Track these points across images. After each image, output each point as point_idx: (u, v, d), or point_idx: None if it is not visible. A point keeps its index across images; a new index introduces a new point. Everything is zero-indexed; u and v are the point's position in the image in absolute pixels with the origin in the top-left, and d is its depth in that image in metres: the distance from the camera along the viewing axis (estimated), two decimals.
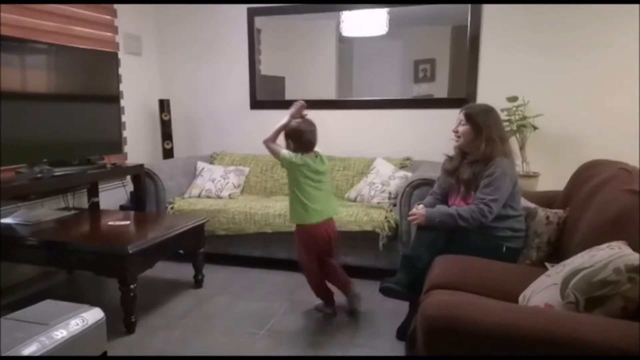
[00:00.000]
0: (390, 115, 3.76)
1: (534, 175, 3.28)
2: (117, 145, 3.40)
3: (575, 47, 3.33)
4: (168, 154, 4.08)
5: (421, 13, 3.64)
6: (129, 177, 3.60)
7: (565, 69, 3.36)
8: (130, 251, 2.34)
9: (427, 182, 2.79)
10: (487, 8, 3.44)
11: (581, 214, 2.03)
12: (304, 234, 2.52)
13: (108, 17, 3.69)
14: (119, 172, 3.39)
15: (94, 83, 3.19)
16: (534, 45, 3.39)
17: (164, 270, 3.20)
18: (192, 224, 2.87)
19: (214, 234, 3.26)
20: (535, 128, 3.29)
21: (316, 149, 2.49)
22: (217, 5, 4.00)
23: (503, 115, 3.11)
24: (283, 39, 4.05)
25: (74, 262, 2.61)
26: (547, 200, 2.52)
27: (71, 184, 3.09)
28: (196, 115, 4.26)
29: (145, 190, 3.43)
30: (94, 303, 1.99)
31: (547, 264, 1.91)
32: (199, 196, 3.58)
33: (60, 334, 1.73)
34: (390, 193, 3.24)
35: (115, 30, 3.76)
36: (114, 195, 3.70)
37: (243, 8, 3.96)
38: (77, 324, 1.81)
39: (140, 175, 3.38)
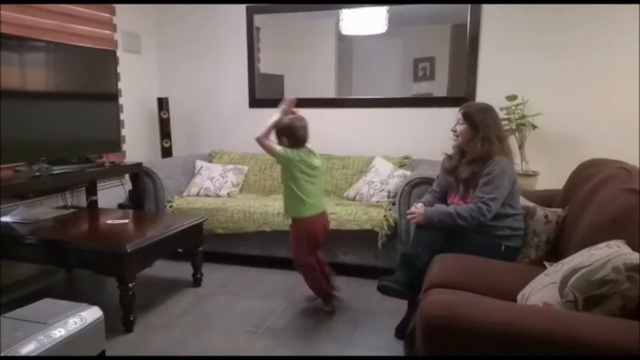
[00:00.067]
0: (390, 114, 3.76)
1: (533, 174, 3.28)
2: (115, 143, 3.39)
3: (575, 47, 3.32)
4: (167, 152, 4.07)
5: (421, 11, 3.64)
6: (127, 176, 3.59)
7: (565, 69, 3.36)
8: (128, 250, 2.34)
9: (426, 181, 2.79)
10: (486, 7, 3.43)
11: (580, 213, 2.03)
12: (302, 228, 2.53)
13: (107, 14, 3.68)
14: (117, 170, 3.38)
15: (92, 81, 3.19)
16: (533, 45, 3.39)
17: (163, 269, 3.20)
18: (191, 222, 2.87)
19: (213, 233, 3.26)
20: (534, 127, 3.29)
21: (308, 145, 2.53)
22: (216, 4, 4.00)
23: (502, 114, 3.12)
24: (282, 37, 4.05)
25: (73, 261, 2.62)
26: (546, 199, 2.52)
27: (70, 182, 3.09)
28: (195, 113, 4.25)
29: (143, 189, 3.42)
30: (92, 302, 1.99)
31: (546, 263, 1.91)
32: (197, 195, 3.58)
33: (59, 332, 1.73)
34: (389, 192, 3.24)
35: (114, 28, 3.75)
36: (112, 194, 3.70)
37: (242, 6, 3.96)
38: (76, 323, 1.81)
39: (139, 174, 3.37)
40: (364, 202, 3.26)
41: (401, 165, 3.50)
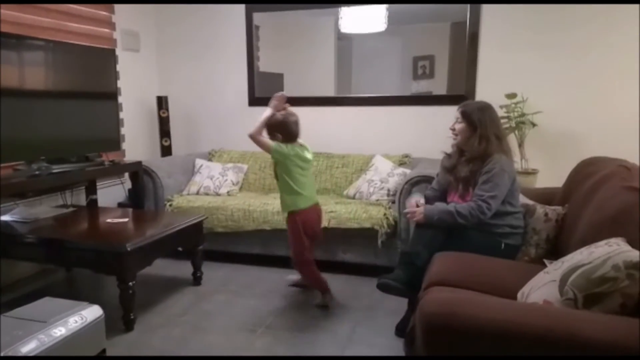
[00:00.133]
0: (389, 112, 3.76)
1: (533, 172, 3.29)
2: (115, 142, 3.38)
3: (575, 47, 3.32)
4: (166, 151, 4.07)
5: (420, 10, 3.63)
6: (127, 175, 3.59)
7: (565, 67, 3.35)
8: (128, 249, 2.33)
9: (426, 179, 2.80)
10: (486, 5, 3.43)
11: (580, 210, 2.03)
12: (298, 220, 2.56)
13: (105, 13, 3.67)
14: (117, 169, 3.38)
15: (91, 80, 3.18)
16: (533, 44, 3.38)
17: (163, 267, 3.20)
18: (191, 221, 2.87)
19: (213, 231, 3.26)
20: (534, 125, 3.29)
21: (299, 140, 2.58)
22: (215, 3, 3.99)
23: (502, 112, 3.12)
24: (281, 36, 4.04)
25: (73, 260, 2.62)
26: (545, 197, 2.52)
27: (69, 181, 3.08)
28: (194, 112, 4.25)
29: (143, 188, 3.42)
30: (92, 301, 1.99)
31: (545, 261, 1.91)
32: (197, 193, 3.58)
33: (59, 331, 1.73)
34: (389, 190, 3.24)
35: (112, 26, 3.74)
36: (112, 193, 3.69)
37: (241, 5, 3.95)
38: (76, 322, 1.81)
39: (139, 173, 3.37)
40: (364, 201, 3.26)
41: (401, 164, 3.50)
